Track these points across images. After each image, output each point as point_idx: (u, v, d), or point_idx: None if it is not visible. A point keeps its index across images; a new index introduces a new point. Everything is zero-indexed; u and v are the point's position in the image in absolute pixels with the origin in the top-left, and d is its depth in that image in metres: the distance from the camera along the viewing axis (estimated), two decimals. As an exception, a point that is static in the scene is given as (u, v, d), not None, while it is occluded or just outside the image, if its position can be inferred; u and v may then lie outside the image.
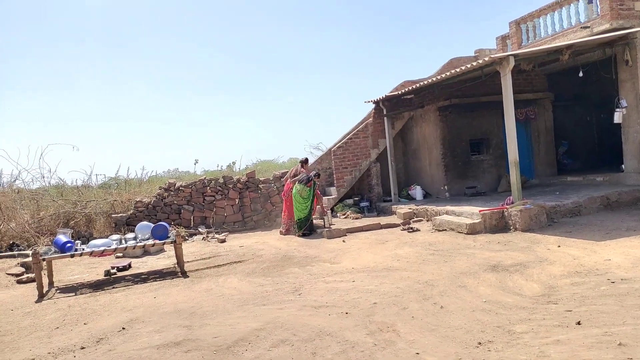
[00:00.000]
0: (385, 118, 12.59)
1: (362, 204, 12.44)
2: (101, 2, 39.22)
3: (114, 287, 6.78)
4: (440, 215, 9.42)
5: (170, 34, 43.32)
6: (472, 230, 8.01)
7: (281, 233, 10.60)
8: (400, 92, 11.79)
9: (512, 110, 8.31)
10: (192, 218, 12.11)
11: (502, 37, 13.38)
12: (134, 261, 8.69)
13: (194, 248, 9.81)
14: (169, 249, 9.57)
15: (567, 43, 8.74)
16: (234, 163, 16.85)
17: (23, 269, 8.16)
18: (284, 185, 11.29)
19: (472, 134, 11.85)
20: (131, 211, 11.80)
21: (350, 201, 12.78)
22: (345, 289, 5.50)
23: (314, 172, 10.57)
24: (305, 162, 10.96)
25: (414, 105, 12.61)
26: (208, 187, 12.37)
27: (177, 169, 17.40)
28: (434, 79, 10.20)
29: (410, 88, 11.26)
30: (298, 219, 10.11)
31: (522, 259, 5.99)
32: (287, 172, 11.91)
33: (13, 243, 10.21)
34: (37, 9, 38.68)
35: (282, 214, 10.84)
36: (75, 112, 37.80)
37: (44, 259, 6.77)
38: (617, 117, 9.63)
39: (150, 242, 7.42)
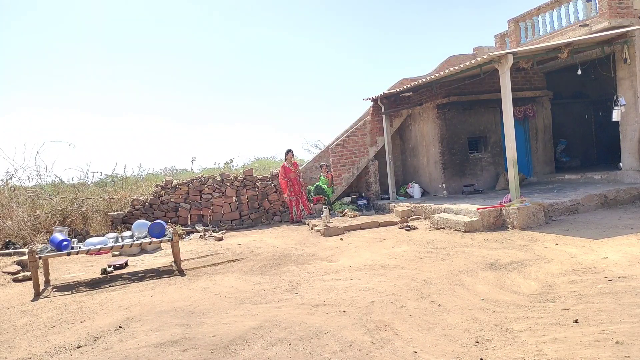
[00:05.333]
0: (383, 116, 12.57)
1: (360, 202, 12.43)
2: (100, 0, 39.05)
3: (110, 286, 6.76)
4: (438, 213, 9.41)
5: (168, 33, 43.18)
6: (470, 229, 8.01)
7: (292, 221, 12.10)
8: (398, 90, 11.76)
9: (510, 108, 8.30)
10: (189, 216, 12.08)
11: (500, 35, 13.37)
12: (130, 259, 8.67)
13: (191, 246, 9.79)
14: (166, 247, 9.54)
15: (566, 41, 8.73)
16: (231, 161, 16.85)
17: (19, 267, 8.12)
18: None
19: (471, 132, 11.85)
20: (128, 209, 11.77)
21: (348, 199, 12.77)
22: (343, 287, 5.49)
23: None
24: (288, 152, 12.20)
25: (413, 103, 12.59)
26: (205, 185, 12.34)
27: (174, 166, 17.38)
28: (433, 76, 10.18)
29: (408, 86, 11.24)
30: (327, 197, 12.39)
31: (520, 257, 5.99)
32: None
33: (9, 241, 10.17)
34: (35, 6, 38.48)
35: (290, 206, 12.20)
36: (71, 110, 37.67)
37: (40, 257, 6.73)
38: (616, 115, 9.63)
39: (147, 240, 7.39)
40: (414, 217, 10.14)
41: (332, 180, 12.63)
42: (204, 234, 11.01)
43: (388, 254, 7.13)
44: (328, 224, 10.04)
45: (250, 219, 12.43)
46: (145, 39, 42.27)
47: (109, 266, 7.84)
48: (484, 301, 4.52)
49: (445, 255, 6.60)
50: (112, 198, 12.08)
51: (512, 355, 3.28)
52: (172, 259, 7.61)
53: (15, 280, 7.56)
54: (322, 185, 12.47)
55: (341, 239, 8.96)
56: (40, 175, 12.53)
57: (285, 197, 12.14)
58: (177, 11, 43.30)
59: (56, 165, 35.05)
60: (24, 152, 25.01)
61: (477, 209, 8.28)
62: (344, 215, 11.65)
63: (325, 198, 12.40)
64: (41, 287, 6.77)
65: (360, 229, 9.87)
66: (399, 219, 10.16)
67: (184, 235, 11.03)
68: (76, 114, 37.20)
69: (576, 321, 3.73)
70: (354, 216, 11.26)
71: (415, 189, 12.44)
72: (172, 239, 7.29)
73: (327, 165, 12.83)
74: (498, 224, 8.16)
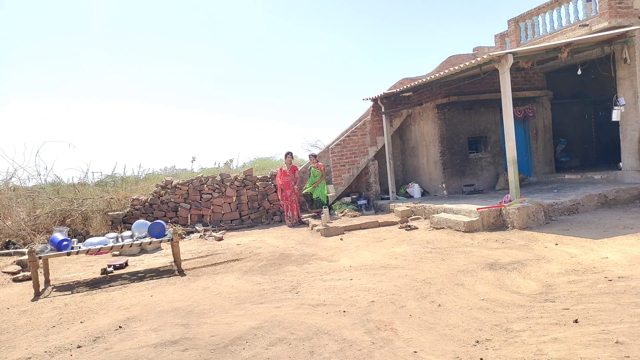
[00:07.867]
0: (383, 116, 12.57)
1: (360, 202, 12.42)
2: (100, 0, 39.05)
3: (110, 286, 6.76)
4: (438, 213, 9.41)
5: (168, 32, 43.19)
6: (470, 228, 8.01)
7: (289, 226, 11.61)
8: (398, 90, 11.75)
9: (510, 108, 8.30)
10: (189, 216, 12.08)
11: (500, 35, 13.37)
12: (130, 259, 8.67)
13: (191, 246, 9.79)
14: (166, 247, 9.55)
15: (566, 41, 8.72)
16: (231, 161, 16.83)
17: (19, 267, 8.12)
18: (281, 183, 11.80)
19: (471, 132, 11.85)
20: (128, 209, 11.77)
21: (348, 199, 12.77)
22: (343, 287, 5.49)
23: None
24: (288, 154, 11.85)
25: (412, 102, 12.59)
26: (205, 185, 12.34)
27: (174, 166, 17.34)
28: (433, 76, 10.18)
29: (408, 86, 11.23)
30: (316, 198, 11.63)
31: (520, 257, 5.99)
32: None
33: (9, 241, 10.17)
34: (35, 4, 38.49)
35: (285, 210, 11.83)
36: (71, 110, 37.69)
37: (40, 257, 6.73)
38: (615, 115, 9.63)
39: (147, 240, 7.39)
40: (414, 217, 10.14)
41: (324, 170, 11.73)
42: (204, 234, 11.01)
43: (388, 254, 7.13)
44: (328, 224, 10.04)
45: (250, 218, 12.43)
46: (145, 39, 42.29)
47: (109, 266, 7.84)
48: (484, 301, 4.52)
49: (445, 255, 6.60)
50: (112, 198, 12.07)
51: (512, 355, 3.28)
52: (172, 259, 7.61)
53: (15, 280, 7.56)
54: (319, 194, 11.64)
55: (341, 239, 8.96)
56: (40, 175, 12.54)
57: (280, 200, 12.02)
58: (178, 11, 43.34)
59: (56, 165, 35.12)
60: (24, 152, 25.02)
61: (477, 208, 8.28)
62: (344, 215, 11.64)
63: (325, 205, 11.71)
64: (41, 287, 6.77)
65: (360, 229, 9.87)
66: (399, 219, 10.16)
67: (184, 235, 11.03)
68: (76, 114, 37.22)
69: (576, 321, 3.73)
70: (354, 216, 11.26)
71: (415, 189, 12.44)
72: (172, 239, 7.29)
73: (314, 156, 11.98)
74: (498, 224, 8.16)
